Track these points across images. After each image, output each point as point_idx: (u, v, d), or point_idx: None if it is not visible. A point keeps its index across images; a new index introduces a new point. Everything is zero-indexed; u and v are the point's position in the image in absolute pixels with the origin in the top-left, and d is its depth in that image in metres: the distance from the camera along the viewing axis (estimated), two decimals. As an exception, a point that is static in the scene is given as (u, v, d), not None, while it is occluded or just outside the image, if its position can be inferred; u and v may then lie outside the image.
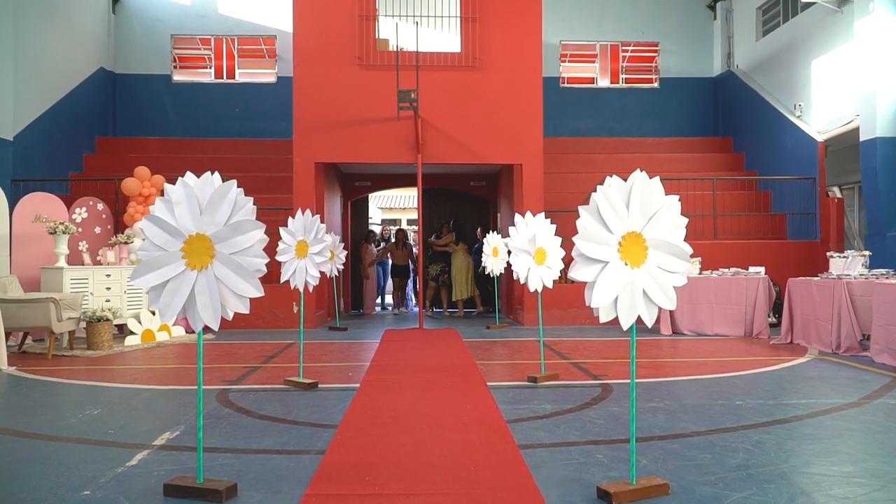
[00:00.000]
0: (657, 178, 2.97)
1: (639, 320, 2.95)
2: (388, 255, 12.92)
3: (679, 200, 3.00)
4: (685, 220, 3.02)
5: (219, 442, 3.83)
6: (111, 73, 13.70)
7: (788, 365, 6.44)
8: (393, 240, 13.07)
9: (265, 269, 2.91)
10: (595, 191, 2.90)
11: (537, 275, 5.50)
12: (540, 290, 5.55)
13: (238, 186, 2.90)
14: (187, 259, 2.90)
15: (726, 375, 5.90)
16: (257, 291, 2.88)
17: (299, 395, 5.18)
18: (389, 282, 13.49)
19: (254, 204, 2.90)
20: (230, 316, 2.92)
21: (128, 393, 5.34)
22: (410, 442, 3.76)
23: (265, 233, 2.92)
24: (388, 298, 13.84)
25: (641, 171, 2.95)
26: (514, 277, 5.60)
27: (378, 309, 13.75)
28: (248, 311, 2.91)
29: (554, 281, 5.66)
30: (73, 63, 12.29)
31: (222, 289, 2.89)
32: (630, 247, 2.92)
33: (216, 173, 2.94)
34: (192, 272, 2.90)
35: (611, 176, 2.96)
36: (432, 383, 5.50)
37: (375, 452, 3.56)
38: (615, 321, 2.92)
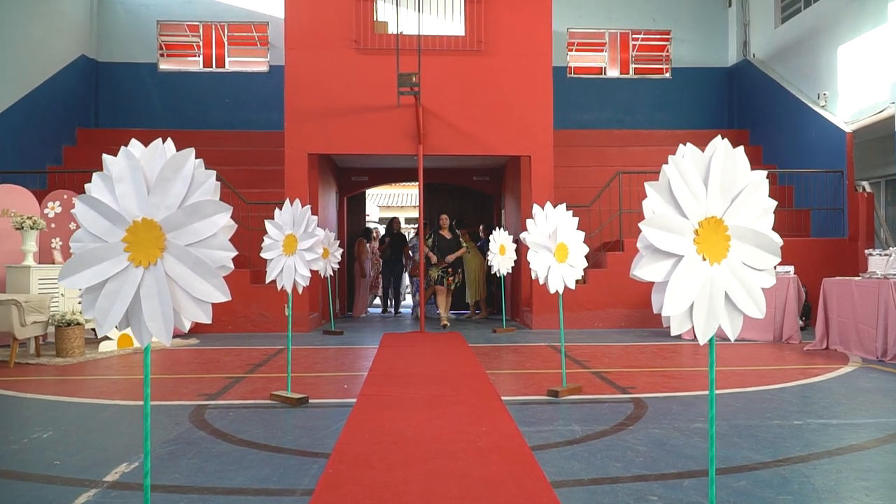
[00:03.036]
0: (741, 149, 2.30)
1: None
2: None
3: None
4: (773, 204, 2.35)
5: (184, 477, 3.14)
6: (93, 60, 12.96)
7: (835, 375, 5.77)
8: (411, 234, 12.37)
9: (231, 266, 2.21)
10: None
11: (558, 274, 4.83)
12: (561, 291, 4.89)
13: (219, 178, 2.21)
14: (131, 252, 2.21)
15: (771, 388, 5.22)
16: (222, 294, 2.17)
17: (286, 412, 4.49)
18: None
19: (217, 180, 2.20)
20: (186, 326, 2.23)
21: (89, 410, 4.64)
22: (418, 478, 3.07)
23: (237, 220, 2.23)
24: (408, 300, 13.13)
25: (723, 138, 2.27)
26: (533, 277, 4.92)
27: (391, 311, 13.04)
28: (209, 320, 2.20)
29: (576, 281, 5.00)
30: (51, 49, 11.56)
31: (176, 291, 2.19)
32: (709, 236, 2.24)
33: (168, 140, 2.24)
34: (138, 269, 2.20)
35: (677, 151, 2.28)
36: (439, 398, 4.81)
37: (375, 493, 2.87)
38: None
